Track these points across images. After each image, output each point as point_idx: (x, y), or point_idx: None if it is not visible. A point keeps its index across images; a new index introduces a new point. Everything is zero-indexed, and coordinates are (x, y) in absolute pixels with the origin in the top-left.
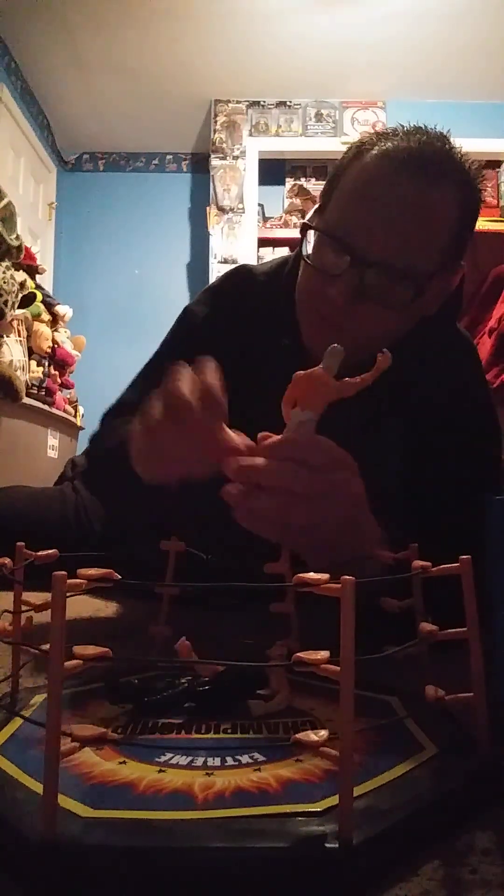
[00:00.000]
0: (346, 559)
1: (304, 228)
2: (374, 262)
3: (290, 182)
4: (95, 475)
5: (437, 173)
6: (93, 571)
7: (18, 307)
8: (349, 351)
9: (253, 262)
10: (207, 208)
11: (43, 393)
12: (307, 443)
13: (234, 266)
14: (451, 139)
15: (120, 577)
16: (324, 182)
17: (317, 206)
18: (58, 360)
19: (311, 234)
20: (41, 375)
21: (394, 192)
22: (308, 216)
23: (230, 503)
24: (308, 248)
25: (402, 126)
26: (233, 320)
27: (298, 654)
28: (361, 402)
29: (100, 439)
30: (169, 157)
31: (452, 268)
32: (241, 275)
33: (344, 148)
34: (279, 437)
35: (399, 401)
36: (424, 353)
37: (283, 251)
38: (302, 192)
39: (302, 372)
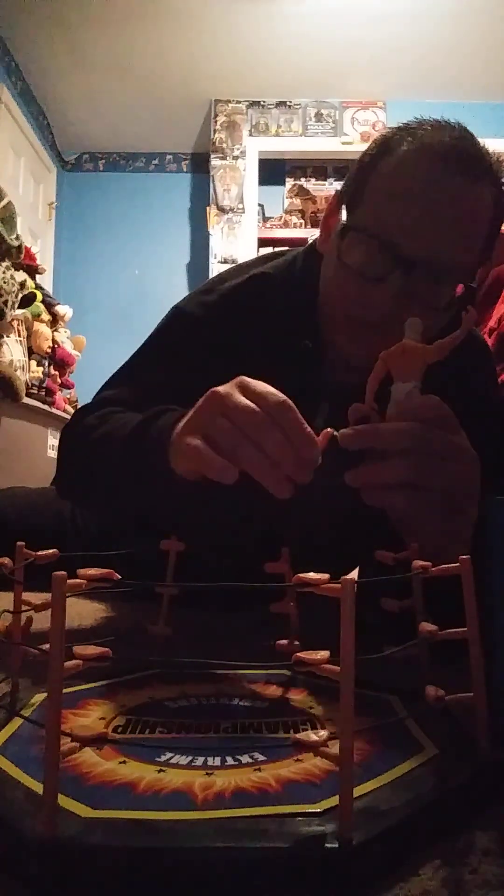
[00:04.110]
0: (463, 536)
1: (346, 230)
2: (421, 263)
3: (290, 182)
4: (78, 472)
5: (479, 170)
6: (93, 571)
7: (18, 307)
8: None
9: None
10: (207, 208)
11: (43, 393)
12: (427, 402)
13: (247, 276)
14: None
15: (119, 577)
16: (323, 182)
17: (342, 203)
18: (58, 360)
19: (338, 232)
20: (41, 375)
21: (440, 191)
22: (324, 212)
23: (357, 483)
24: (342, 249)
25: (425, 121)
26: (243, 328)
27: (298, 654)
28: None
29: (79, 434)
30: (169, 157)
31: (483, 265)
32: (256, 285)
33: (344, 148)
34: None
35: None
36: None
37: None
38: (302, 192)
39: (387, 350)
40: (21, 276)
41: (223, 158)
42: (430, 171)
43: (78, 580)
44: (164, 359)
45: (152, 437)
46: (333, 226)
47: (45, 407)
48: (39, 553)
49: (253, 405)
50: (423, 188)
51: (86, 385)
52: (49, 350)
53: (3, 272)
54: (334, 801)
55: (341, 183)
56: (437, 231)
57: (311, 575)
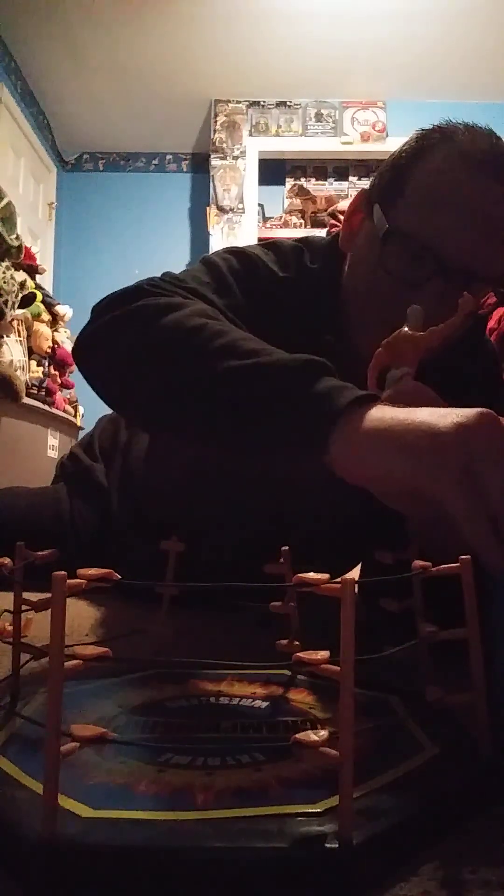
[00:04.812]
0: None
1: (388, 234)
2: (462, 270)
3: (290, 182)
4: (136, 347)
5: None
6: (93, 571)
7: (18, 307)
8: (422, 354)
9: None
10: (207, 208)
11: (43, 393)
12: (405, 387)
13: (246, 255)
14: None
15: (120, 577)
16: (323, 182)
17: (372, 203)
18: (58, 360)
19: (380, 235)
20: (41, 375)
21: (483, 200)
22: (346, 206)
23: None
24: (381, 251)
25: (456, 123)
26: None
27: (298, 654)
28: None
29: (158, 305)
30: (169, 157)
31: None
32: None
33: (344, 148)
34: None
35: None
36: (464, 355)
37: None
38: (302, 192)
39: (385, 339)
40: (21, 276)
41: (223, 158)
42: (472, 180)
43: (78, 580)
44: (240, 291)
45: (314, 396)
46: (357, 224)
47: (45, 407)
48: (39, 553)
49: None
50: (466, 197)
51: (86, 385)
52: (49, 350)
53: (3, 272)
54: (334, 801)
55: (342, 183)
56: (479, 240)
57: (311, 575)
